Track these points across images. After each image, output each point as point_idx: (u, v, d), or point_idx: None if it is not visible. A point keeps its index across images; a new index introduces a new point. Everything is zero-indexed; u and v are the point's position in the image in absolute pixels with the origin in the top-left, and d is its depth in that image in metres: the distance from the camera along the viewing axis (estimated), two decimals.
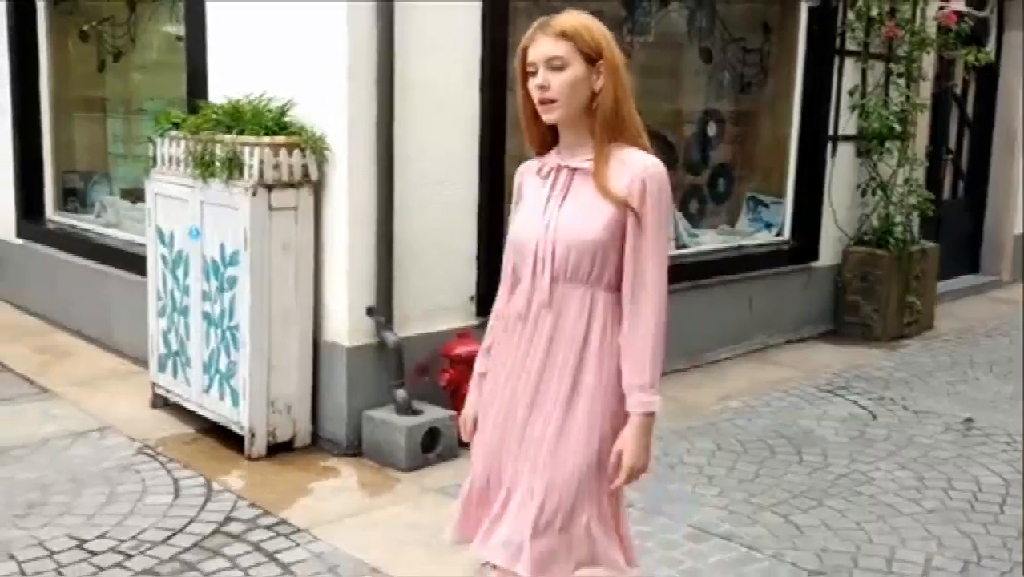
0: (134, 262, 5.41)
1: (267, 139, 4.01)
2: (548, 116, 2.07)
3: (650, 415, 2.07)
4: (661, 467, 4.12)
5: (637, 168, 2.04)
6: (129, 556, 3.24)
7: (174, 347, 4.51)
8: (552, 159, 2.14)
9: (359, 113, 4.07)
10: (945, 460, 4.25)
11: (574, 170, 2.10)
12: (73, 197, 6.49)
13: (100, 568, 3.16)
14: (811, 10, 6.29)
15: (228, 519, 3.54)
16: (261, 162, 3.96)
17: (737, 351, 6.00)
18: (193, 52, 4.83)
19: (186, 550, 3.29)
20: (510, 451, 2.16)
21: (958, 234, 8.27)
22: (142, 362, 5.22)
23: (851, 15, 6.41)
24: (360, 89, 4.05)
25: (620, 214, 2.04)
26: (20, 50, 6.23)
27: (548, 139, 2.16)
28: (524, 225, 2.16)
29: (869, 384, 5.43)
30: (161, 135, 4.42)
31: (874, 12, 6.43)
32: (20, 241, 6.45)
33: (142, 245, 5.38)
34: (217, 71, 4.70)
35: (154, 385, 4.68)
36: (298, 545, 3.36)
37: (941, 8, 6.82)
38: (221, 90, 4.56)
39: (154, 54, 5.92)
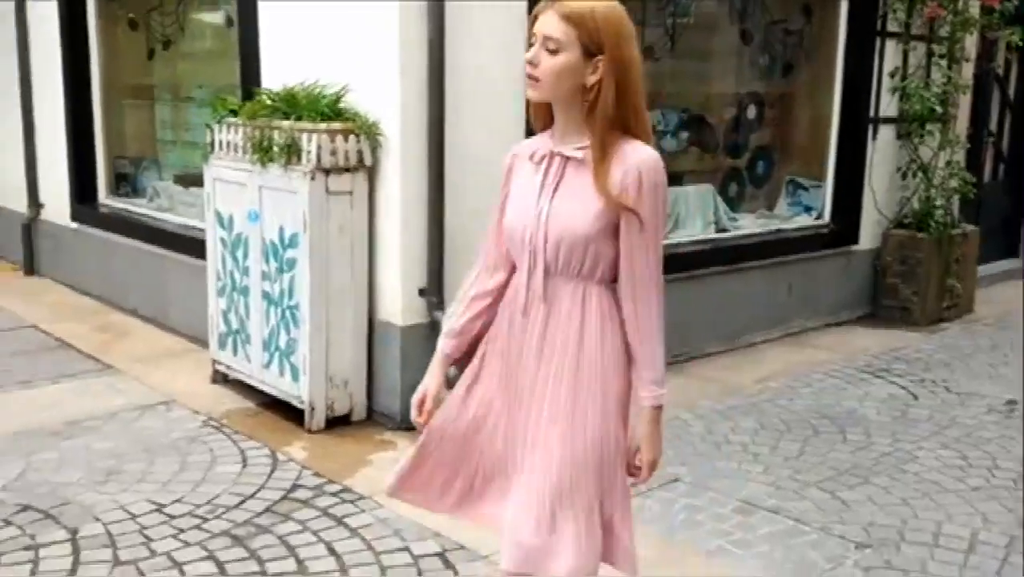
0: (189, 245, 5.60)
1: (323, 125, 4.14)
2: (528, 93, 2.03)
3: (660, 408, 2.09)
4: (706, 445, 4.24)
5: (631, 161, 1.97)
6: (206, 520, 3.41)
7: (234, 325, 4.67)
8: (546, 144, 2.08)
9: (411, 100, 4.19)
10: (989, 440, 4.32)
11: (567, 159, 2.03)
12: (124, 182, 6.67)
13: (181, 530, 3.34)
14: None
15: (295, 486, 3.70)
16: (319, 148, 4.09)
17: (774, 334, 6.07)
18: (246, 40, 4.96)
19: (259, 514, 3.46)
20: (513, 438, 2.17)
21: (997, 218, 8.26)
22: (197, 340, 5.43)
23: None
24: (412, 76, 4.17)
25: (609, 207, 1.98)
26: (71, 39, 6.40)
27: (550, 116, 2.09)
28: (517, 214, 2.10)
29: (909, 366, 5.50)
30: (218, 122, 4.57)
31: None
32: (75, 225, 6.66)
33: (196, 228, 5.59)
34: (269, 58, 4.83)
35: (214, 362, 4.85)
36: (363, 511, 3.51)
37: None
38: (274, 77, 4.70)
39: (203, 42, 6.08)
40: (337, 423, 4.35)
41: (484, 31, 4.36)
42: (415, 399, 2.28)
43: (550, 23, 1.97)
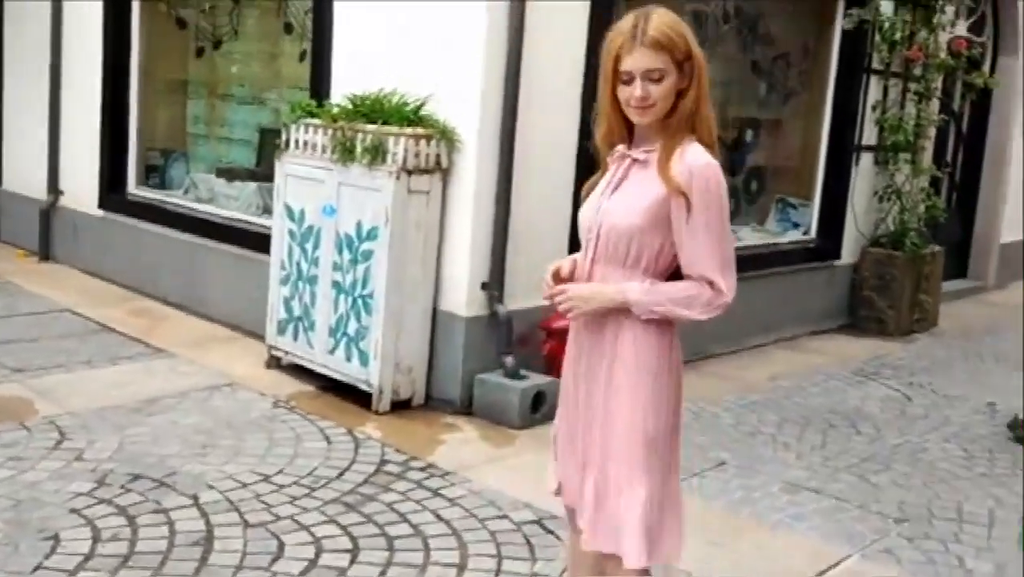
0: (229, 235, 5.84)
1: (409, 130, 4.48)
2: (643, 119, 2.17)
3: (619, 296, 2.19)
4: (740, 434, 4.69)
5: (689, 162, 2.12)
6: (313, 489, 3.70)
7: (296, 313, 4.94)
8: (623, 148, 2.26)
9: (489, 107, 4.56)
10: (983, 436, 4.88)
11: (634, 160, 2.23)
12: (153, 173, 6.84)
13: (294, 497, 3.62)
14: (845, 32, 6.90)
15: (384, 461, 4.02)
16: (405, 150, 4.43)
17: (771, 338, 6.58)
18: (318, 47, 5.25)
19: (359, 485, 3.77)
20: (578, 420, 2.35)
21: (950, 241, 8.97)
22: (237, 327, 5.68)
23: (878, 37, 7.05)
24: (492, 86, 4.54)
25: (664, 202, 2.13)
26: (114, 34, 6.56)
27: (623, 134, 2.26)
28: (586, 208, 2.32)
29: (896, 372, 6.06)
30: (295, 122, 4.84)
31: (897, 36, 7.08)
32: (100, 213, 6.79)
33: (240, 220, 5.84)
34: (340, 67, 5.13)
35: (271, 347, 5.10)
36: (453, 484, 3.84)
37: (951, 35, 7.51)
38: (344, 84, 5.00)
39: (251, 44, 6.32)
40: (399, 407, 4.66)
41: (549, 40, 4.74)
42: (550, 269, 2.37)
43: (645, 58, 2.11)
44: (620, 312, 2.23)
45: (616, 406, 2.25)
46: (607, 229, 2.22)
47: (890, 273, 7.18)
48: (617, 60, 2.15)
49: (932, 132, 7.56)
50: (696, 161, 2.14)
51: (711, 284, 2.18)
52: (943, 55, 7.34)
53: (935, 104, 7.60)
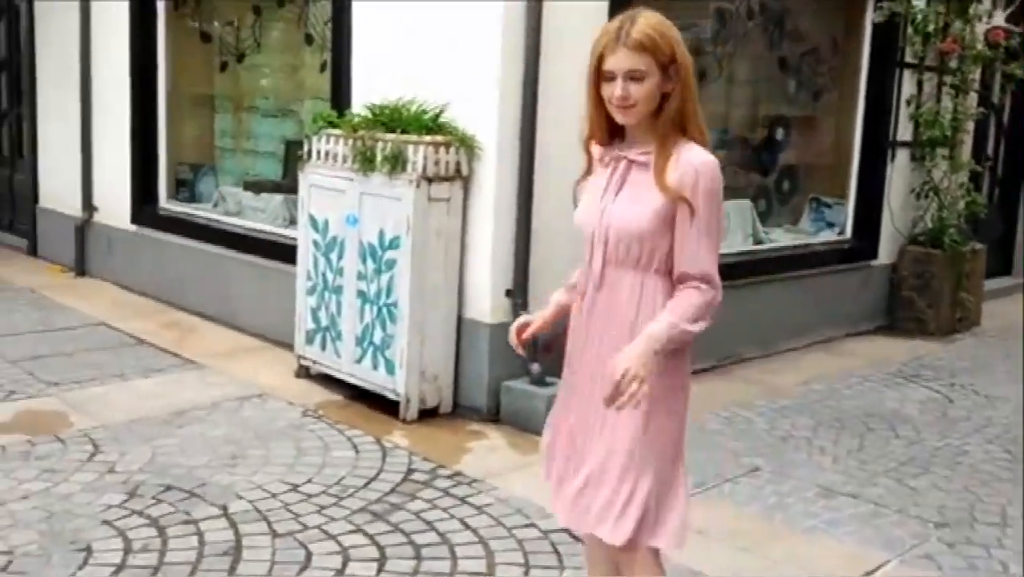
0: (257, 247, 5.87)
1: (428, 138, 4.46)
2: (625, 119, 2.20)
3: (657, 341, 2.16)
4: (773, 439, 4.60)
5: (691, 162, 2.17)
6: (341, 498, 3.69)
7: (323, 323, 4.94)
8: (615, 150, 2.29)
9: (507, 114, 4.52)
10: None
11: (632, 162, 2.25)
12: (183, 187, 6.90)
13: (322, 506, 3.61)
14: (875, 25, 6.78)
15: (411, 470, 3.99)
16: (424, 158, 4.41)
17: (804, 342, 6.45)
18: (338, 58, 5.26)
19: (387, 493, 3.75)
20: (584, 419, 2.35)
21: (992, 237, 8.77)
22: (266, 338, 5.70)
23: (910, 30, 6.91)
24: (509, 93, 4.51)
25: (671, 205, 2.17)
26: (140, 50, 6.64)
27: (609, 133, 2.30)
28: (583, 210, 2.34)
29: (936, 373, 5.91)
30: (316, 133, 4.85)
31: (931, 28, 6.94)
32: (133, 227, 6.86)
33: (267, 232, 5.87)
34: (360, 76, 5.13)
35: (300, 357, 5.11)
36: (480, 492, 3.81)
37: (988, 25, 7.34)
38: (364, 94, 5.00)
39: (274, 57, 6.35)
40: (426, 415, 4.64)
41: (566, 46, 4.69)
42: (515, 324, 2.51)
43: (626, 59, 2.15)
44: (639, 307, 2.24)
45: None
46: (617, 232, 2.25)
47: (929, 272, 7.02)
48: (601, 59, 2.19)
49: (970, 126, 7.37)
50: (698, 159, 2.18)
51: (709, 281, 2.21)
52: (979, 46, 7.18)
53: (972, 97, 7.43)
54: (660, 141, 2.19)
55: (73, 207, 7.31)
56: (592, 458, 2.32)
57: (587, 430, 2.36)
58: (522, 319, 2.56)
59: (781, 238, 6.74)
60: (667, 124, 2.20)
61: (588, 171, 2.38)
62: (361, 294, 4.73)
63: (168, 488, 3.72)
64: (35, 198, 7.95)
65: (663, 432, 2.28)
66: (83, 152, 7.11)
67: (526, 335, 2.51)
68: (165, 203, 6.78)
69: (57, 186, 7.65)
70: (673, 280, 2.24)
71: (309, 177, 4.92)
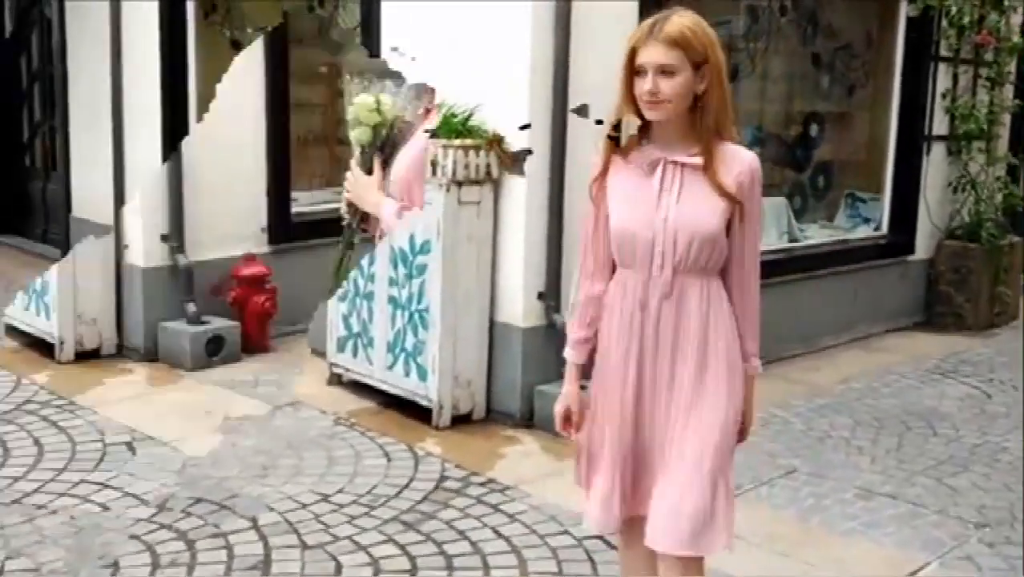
0: None
1: (458, 141, 4.44)
2: (654, 115, 2.19)
3: (752, 374, 2.38)
4: (810, 439, 4.54)
5: (743, 163, 2.23)
6: (372, 508, 3.69)
7: (355, 329, 4.94)
8: (650, 152, 2.25)
9: (538, 117, 4.50)
10: None
11: (683, 165, 2.23)
12: None
13: (352, 517, 3.61)
14: (909, 19, 6.67)
15: (443, 477, 3.98)
16: (454, 162, 4.40)
17: (843, 339, 6.36)
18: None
19: (419, 503, 3.74)
20: (654, 428, 2.31)
21: None
22: None
23: (945, 23, 6.80)
24: (539, 96, 4.49)
25: (729, 207, 2.22)
26: (171, 59, 6.66)
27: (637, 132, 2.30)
28: (633, 218, 2.26)
29: (975, 368, 5.81)
30: None
31: (966, 20, 6.82)
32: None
33: None
34: None
35: (332, 364, 5.12)
36: (513, 500, 3.79)
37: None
38: None
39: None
40: (459, 421, 4.62)
41: (597, 47, 4.66)
42: (559, 411, 2.45)
43: (658, 53, 2.16)
44: (710, 314, 2.28)
45: (711, 403, 2.28)
46: (689, 236, 2.23)
47: (967, 266, 6.90)
48: (634, 53, 2.20)
49: (1006, 119, 7.25)
50: (749, 160, 2.26)
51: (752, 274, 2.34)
52: (1015, 38, 7.05)
53: (1008, 89, 7.30)
54: (708, 143, 2.22)
55: (106, 215, 7.37)
56: (676, 474, 2.28)
57: (658, 448, 2.32)
58: (561, 409, 2.45)
59: (817, 235, 6.66)
60: (710, 125, 2.22)
61: (604, 171, 2.34)
62: (392, 300, 4.73)
63: (198, 501, 3.72)
64: (68, 207, 8.02)
65: (731, 435, 2.33)
66: (115, 162, 7.14)
67: (575, 420, 2.45)
68: None
69: (91, 195, 7.71)
70: (725, 275, 2.31)
71: None
